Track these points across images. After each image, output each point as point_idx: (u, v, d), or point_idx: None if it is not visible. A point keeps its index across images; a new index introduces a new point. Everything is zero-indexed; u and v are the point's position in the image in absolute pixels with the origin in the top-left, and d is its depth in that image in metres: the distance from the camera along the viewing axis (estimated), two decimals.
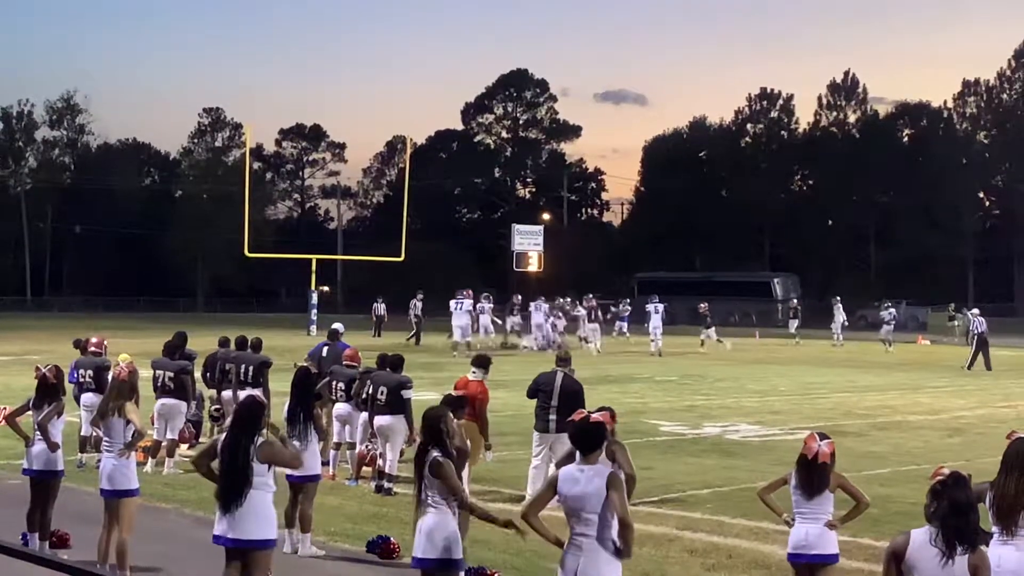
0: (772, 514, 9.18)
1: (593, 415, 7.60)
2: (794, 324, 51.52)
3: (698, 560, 11.31)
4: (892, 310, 48.06)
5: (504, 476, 15.24)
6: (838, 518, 8.67)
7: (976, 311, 41.34)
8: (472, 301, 43.03)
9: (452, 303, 42.80)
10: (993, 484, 7.52)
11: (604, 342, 43.49)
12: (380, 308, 52.81)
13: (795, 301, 53.40)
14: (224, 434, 9.14)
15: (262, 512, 8.71)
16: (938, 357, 42.71)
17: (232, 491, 8.61)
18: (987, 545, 7.51)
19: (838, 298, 52.37)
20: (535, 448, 14.21)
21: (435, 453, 8.22)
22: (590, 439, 7.42)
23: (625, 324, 48.48)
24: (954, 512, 6.14)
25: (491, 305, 44.25)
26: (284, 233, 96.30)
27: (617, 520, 7.12)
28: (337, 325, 20.27)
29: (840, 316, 49.97)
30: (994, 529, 7.45)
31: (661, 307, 43.68)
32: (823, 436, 8.66)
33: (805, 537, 8.56)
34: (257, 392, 9.33)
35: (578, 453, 7.47)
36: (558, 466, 10.97)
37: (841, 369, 36.36)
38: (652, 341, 42.94)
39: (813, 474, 8.54)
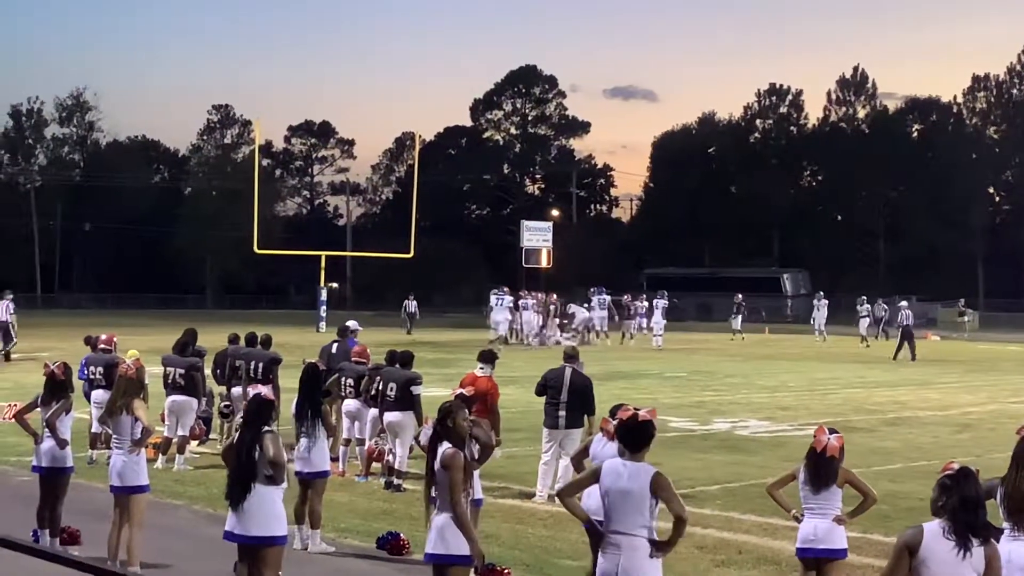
0: (782, 510, 9.18)
1: (641, 412, 7.53)
2: (737, 320, 50.89)
3: (708, 556, 11.31)
4: (868, 306, 47.90)
5: (513, 472, 15.25)
6: (846, 513, 8.68)
7: (904, 303, 42.05)
8: (512, 297, 43.65)
9: (493, 298, 43.27)
10: (1004, 480, 7.51)
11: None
12: (411, 305, 52.70)
13: (739, 297, 52.42)
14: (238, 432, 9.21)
15: (270, 509, 8.76)
16: (948, 353, 42.61)
17: (238, 486, 8.71)
18: (997, 540, 7.51)
19: (821, 293, 52.35)
20: (545, 444, 14.21)
21: (447, 445, 8.25)
22: (637, 437, 7.41)
23: (643, 320, 48.52)
24: (964, 507, 6.13)
25: (535, 301, 44.57)
26: (293, 230, 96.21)
27: (674, 516, 7.08)
28: (351, 322, 20.27)
29: (823, 313, 49.82)
30: (1005, 525, 7.44)
31: (663, 303, 44.10)
32: (832, 430, 8.67)
33: (814, 532, 8.57)
34: (264, 389, 9.31)
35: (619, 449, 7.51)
36: (573, 461, 10.98)
37: (850, 365, 36.29)
38: (655, 336, 43.28)
39: (821, 468, 8.55)
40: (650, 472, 7.16)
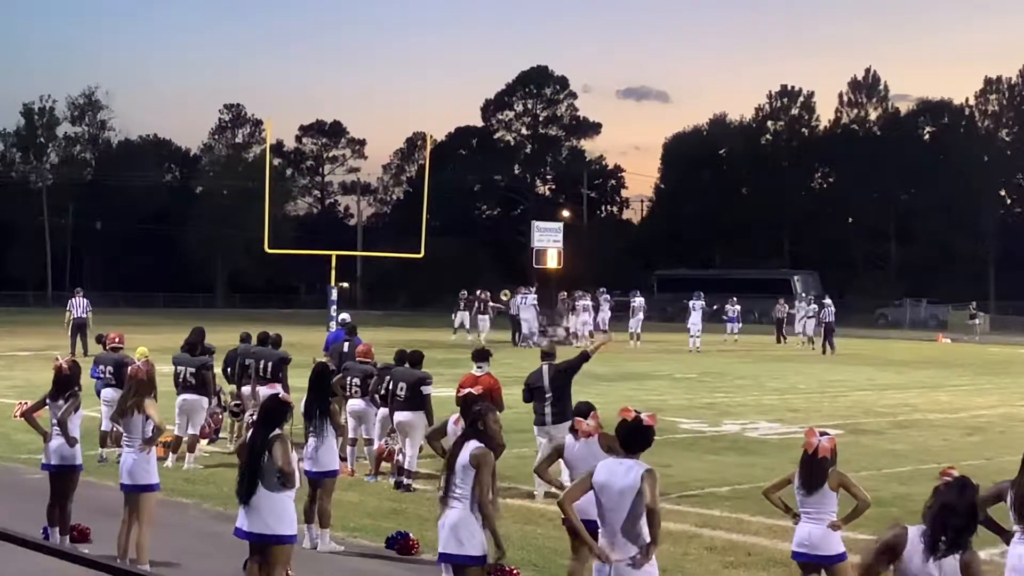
0: (791, 512, 9.17)
1: (644, 416, 7.55)
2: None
3: (717, 558, 11.30)
4: (814, 306, 47.36)
5: (520, 473, 15.24)
6: (840, 519, 8.65)
7: (828, 301, 44.10)
8: (536, 295, 44.04)
9: (518, 297, 43.60)
10: (1013, 483, 7.49)
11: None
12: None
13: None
14: (251, 429, 9.24)
15: (279, 508, 8.77)
16: (958, 355, 42.52)
17: (245, 484, 8.78)
18: (1007, 543, 7.50)
19: (810, 296, 52.16)
20: (538, 442, 14.37)
21: (476, 444, 8.28)
22: (637, 439, 7.44)
23: (734, 325, 48.34)
24: (941, 514, 6.04)
25: (584, 302, 44.90)
26: (304, 229, 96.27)
27: (645, 509, 7.07)
28: (344, 315, 20.37)
29: (801, 315, 49.38)
30: (1015, 528, 7.42)
31: (700, 304, 44.30)
32: (823, 432, 8.69)
33: (808, 537, 8.57)
34: (279, 389, 9.36)
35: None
36: (556, 449, 10.94)
37: (860, 367, 36.24)
38: (691, 338, 43.20)
39: (813, 469, 8.56)
40: (643, 468, 7.18)
